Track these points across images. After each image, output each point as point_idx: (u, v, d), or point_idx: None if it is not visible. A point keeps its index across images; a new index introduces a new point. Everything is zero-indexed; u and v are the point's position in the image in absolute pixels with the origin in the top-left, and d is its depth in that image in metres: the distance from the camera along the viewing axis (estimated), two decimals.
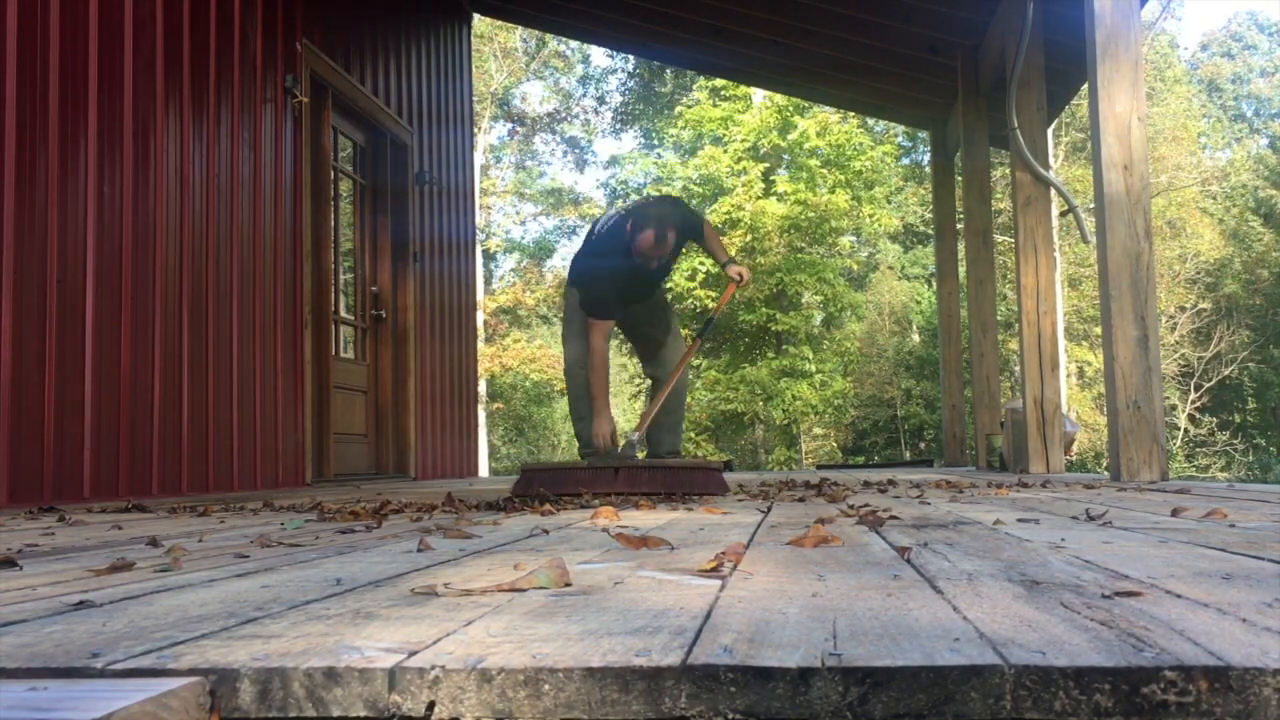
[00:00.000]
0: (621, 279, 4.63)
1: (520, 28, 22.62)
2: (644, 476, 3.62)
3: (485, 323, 23.29)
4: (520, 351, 24.03)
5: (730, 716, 0.74)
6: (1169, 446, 10.95)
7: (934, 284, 14.87)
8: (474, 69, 12.66)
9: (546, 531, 1.98)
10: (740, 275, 4.70)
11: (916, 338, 23.71)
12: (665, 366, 4.95)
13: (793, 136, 19.87)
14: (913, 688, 0.73)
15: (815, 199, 19.71)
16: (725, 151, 20.59)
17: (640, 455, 4.64)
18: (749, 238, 19.66)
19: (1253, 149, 30.25)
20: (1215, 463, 23.08)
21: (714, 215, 20.24)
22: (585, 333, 4.68)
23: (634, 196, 23.58)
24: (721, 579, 1.21)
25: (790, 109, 19.93)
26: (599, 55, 29.99)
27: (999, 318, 10.80)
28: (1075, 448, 11.29)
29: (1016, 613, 0.94)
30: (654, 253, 4.52)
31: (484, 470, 19.67)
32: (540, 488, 3.62)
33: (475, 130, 13.94)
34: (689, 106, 21.92)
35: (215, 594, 1.19)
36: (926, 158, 20.72)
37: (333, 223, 6.73)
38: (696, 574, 1.25)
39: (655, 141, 25.63)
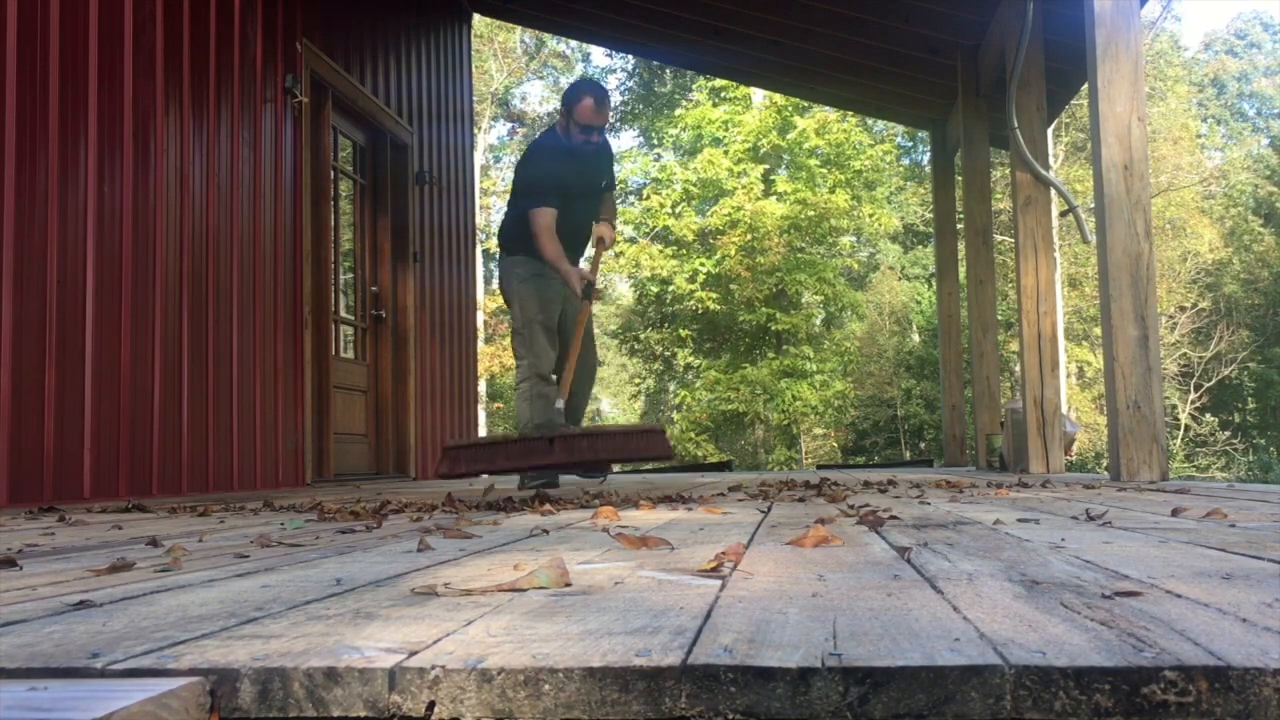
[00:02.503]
0: (558, 161, 4.48)
1: (520, 28, 22.61)
2: (582, 444, 3.34)
3: (485, 322, 23.28)
4: None
5: (730, 716, 0.74)
6: (1169, 446, 10.96)
7: (934, 284, 14.88)
8: (474, 69, 12.65)
9: (546, 531, 1.98)
10: (606, 237, 4.58)
11: (916, 338, 23.71)
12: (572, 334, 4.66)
13: (792, 135, 19.88)
14: (913, 688, 0.73)
15: (815, 198, 19.72)
16: (725, 153, 20.59)
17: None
18: (749, 238, 19.66)
19: (1254, 149, 30.25)
20: (1215, 463, 23.08)
21: (714, 216, 20.24)
22: (532, 296, 4.51)
23: (632, 197, 23.58)
24: (721, 579, 1.21)
25: (790, 109, 19.94)
26: (599, 55, 30.03)
27: (999, 318, 10.80)
28: (1075, 448, 11.29)
29: (1016, 613, 0.94)
30: (595, 119, 4.41)
31: None
32: (467, 466, 3.33)
33: (475, 130, 13.94)
34: (689, 107, 21.93)
35: (215, 594, 1.19)
36: (926, 158, 20.73)
37: (333, 223, 6.73)
38: (696, 574, 1.25)
39: (655, 141, 25.63)
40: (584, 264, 4.71)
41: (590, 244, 4.65)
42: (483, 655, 0.79)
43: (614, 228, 4.66)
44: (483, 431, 21.04)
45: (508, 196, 4.97)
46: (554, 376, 4.52)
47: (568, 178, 4.51)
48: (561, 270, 4.43)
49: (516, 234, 4.60)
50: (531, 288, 4.57)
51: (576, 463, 3.35)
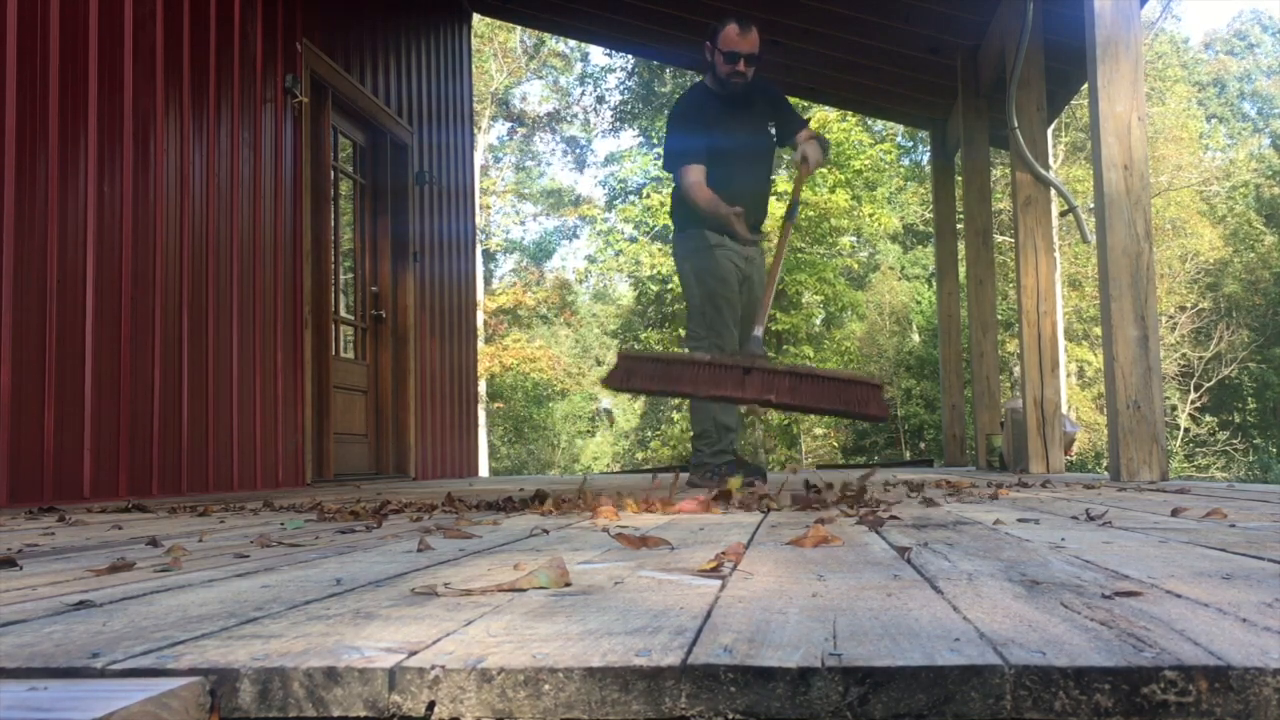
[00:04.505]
0: (703, 111, 4.16)
1: (520, 27, 22.61)
2: (784, 383, 2.84)
3: (485, 323, 23.28)
4: (520, 351, 24.03)
5: (730, 716, 0.74)
6: (1169, 446, 10.96)
7: (934, 284, 14.87)
8: (474, 69, 12.66)
9: (546, 531, 1.98)
10: (811, 156, 4.10)
11: (916, 338, 23.70)
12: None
13: None
14: (913, 688, 0.73)
15: (815, 198, 19.72)
16: None
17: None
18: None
19: (1255, 149, 30.25)
20: (1215, 463, 23.08)
21: None
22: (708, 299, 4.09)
23: (632, 197, 23.59)
24: (721, 579, 1.21)
25: None
26: (598, 54, 30.01)
27: (999, 318, 10.80)
28: (1075, 448, 11.29)
29: (1016, 613, 0.94)
30: (741, 44, 4.11)
31: (484, 470, 19.67)
32: (642, 382, 2.97)
33: (475, 130, 13.94)
34: None
35: (215, 594, 1.19)
36: (926, 158, 20.72)
37: (333, 223, 6.73)
38: (697, 574, 1.25)
39: (655, 141, 25.63)
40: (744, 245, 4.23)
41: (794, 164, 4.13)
42: (483, 655, 0.79)
43: (825, 153, 4.13)
44: (482, 431, 21.03)
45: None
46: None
47: (717, 129, 4.19)
48: (722, 215, 4.02)
49: (679, 203, 4.29)
50: (708, 261, 4.23)
51: (768, 402, 2.89)
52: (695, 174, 4.12)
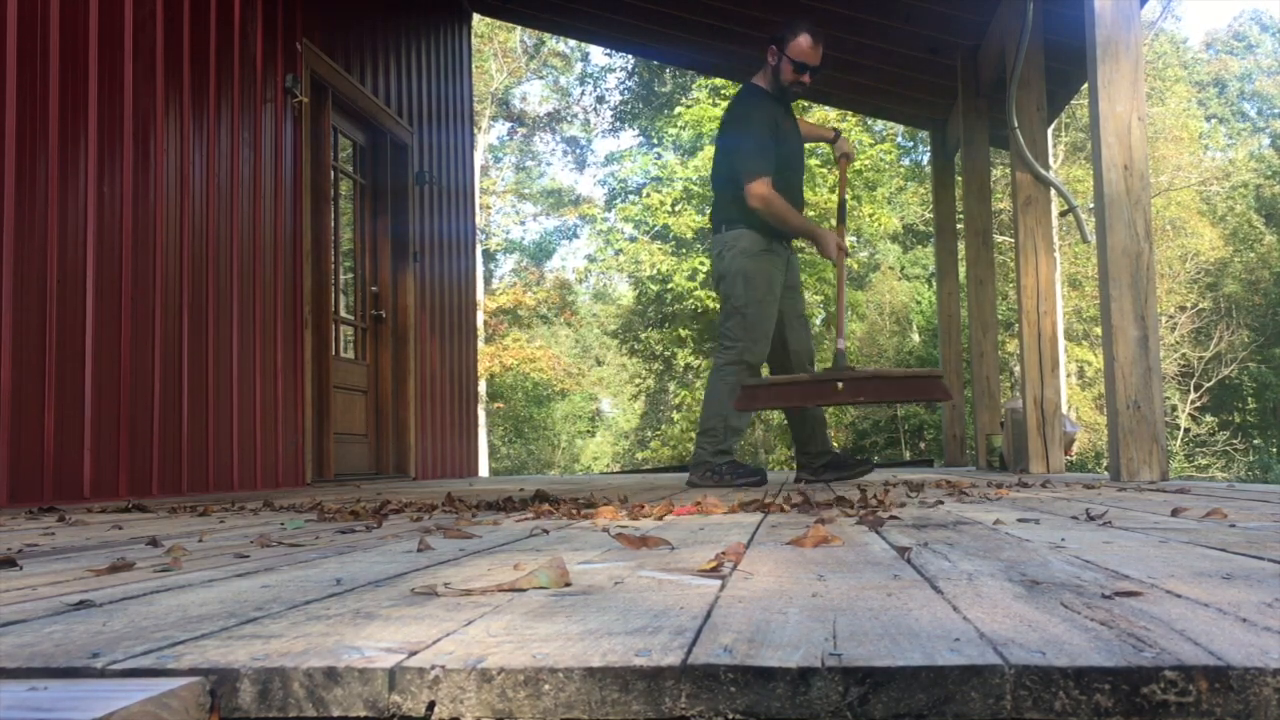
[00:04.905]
0: (777, 119, 4.20)
1: (520, 27, 22.61)
2: (869, 386, 3.57)
3: (485, 323, 23.28)
4: (520, 351, 24.04)
5: (730, 716, 0.74)
6: (1169, 446, 10.95)
7: (934, 284, 14.87)
8: (474, 69, 12.65)
9: (546, 531, 1.98)
10: (849, 151, 4.44)
11: (916, 338, 23.70)
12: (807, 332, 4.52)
13: None
14: (913, 688, 0.73)
15: (815, 198, 19.71)
16: None
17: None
18: None
19: (1255, 149, 30.25)
20: (1215, 463, 23.08)
21: None
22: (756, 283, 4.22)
23: (632, 197, 23.57)
24: (721, 579, 1.21)
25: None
26: (598, 54, 30.03)
27: (999, 318, 10.80)
28: (1075, 448, 11.29)
29: (1016, 613, 0.94)
30: (812, 57, 4.16)
31: (484, 470, 19.67)
32: (764, 402, 3.61)
33: (475, 130, 13.94)
34: (689, 105, 21.92)
35: (215, 594, 1.19)
36: (926, 158, 20.72)
37: (333, 223, 6.73)
38: (697, 574, 1.25)
39: (655, 141, 25.64)
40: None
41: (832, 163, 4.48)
42: (483, 655, 0.79)
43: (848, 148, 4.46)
44: (482, 431, 21.03)
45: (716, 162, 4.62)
46: (763, 372, 4.30)
47: (785, 137, 4.24)
48: (818, 237, 4.22)
49: (735, 203, 4.30)
50: (762, 265, 4.29)
51: (859, 402, 3.51)
52: (770, 185, 4.19)
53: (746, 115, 4.31)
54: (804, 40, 4.19)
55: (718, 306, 4.74)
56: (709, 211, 4.57)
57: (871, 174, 20.79)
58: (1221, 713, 0.71)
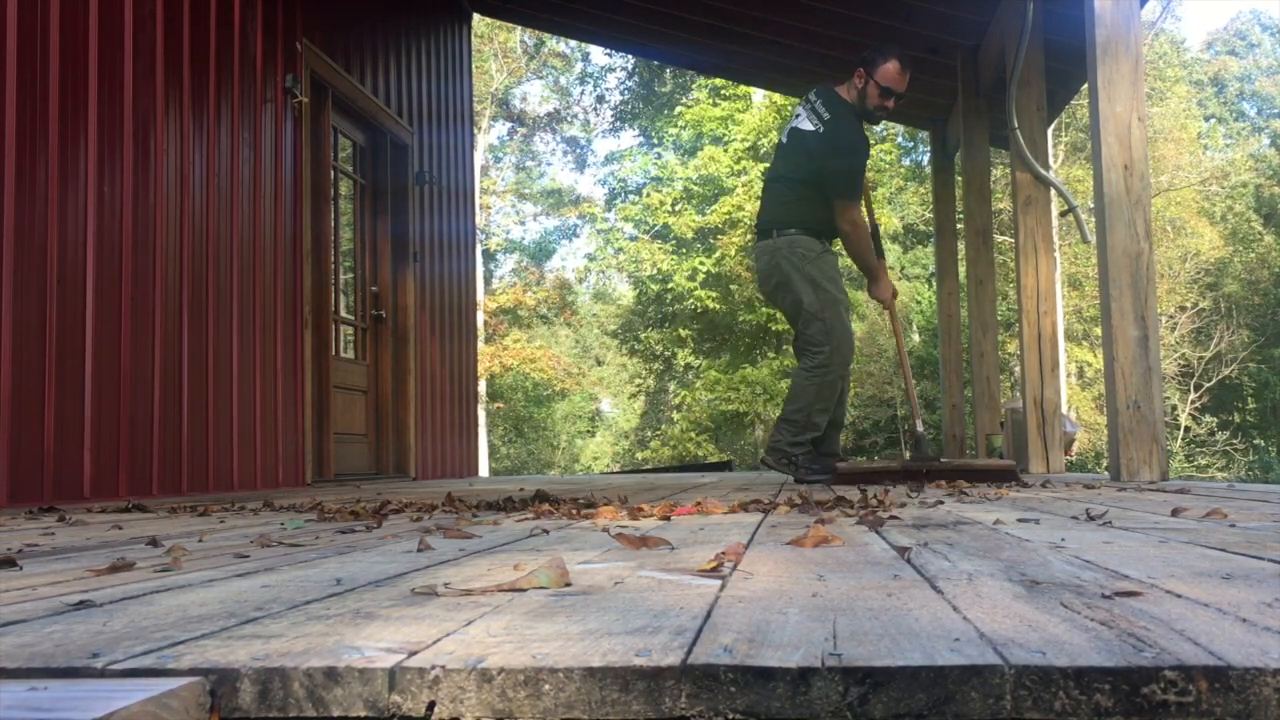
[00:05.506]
0: (864, 147, 4.28)
1: (520, 27, 22.61)
2: (951, 478, 3.85)
3: (485, 323, 23.28)
4: (520, 351, 24.04)
5: (730, 716, 0.74)
6: (1169, 446, 10.96)
7: (934, 284, 14.87)
8: (474, 69, 12.65)
9: (546, 531, 1.98)
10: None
11: (916, 338, 23.69)
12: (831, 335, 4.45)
13: None
14: (913, 688, 0.73)
15: None
16: (725, 151, 20.58)
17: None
18: (749, 238, 19.67)
19: (1255, 149, 30.24)
20: (1215, 463, 23.09)
21: (714, 215, 20.23)
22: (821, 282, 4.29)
23: (632, 196, 23.57)
24: (721, 579, 1.21)
25: (790, 108, 19.93)
26: (598, 53, 30.01)
27: (999, 318, 10.80)
28: (1075, 448, 11.29)
29: (1016, 613, 0.94)
30: (900, 84, 4.21)
31: (484, 470, 19.67)
32: (852, 481, 3.85)
33: (475, 130, 13.94)
34: (689, 106, 21.93)
35: (215, 594, 1.19)
36: (926, 158, 20.71)
37: (333, 223, 6.73)
38: (697, 574, 1.25)
39: (655, 141, 25.64)
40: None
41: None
42: (483, 655, 0.79)
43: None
44: (482, 431, 21.03)
45: (771, 165, 4.64)
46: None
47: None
48: (880, 278, 4.35)
49: (798, 206, 4.34)
50: (825, 266, 4.35)
51: (940, 485, 3.70)
52: (861, 215, 4.33)
53: (855, 139, 4.35)
54: (892, 66, 4.23)
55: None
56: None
57: (871, 174, 20.77)
58: (1221, 713, 0.71)
